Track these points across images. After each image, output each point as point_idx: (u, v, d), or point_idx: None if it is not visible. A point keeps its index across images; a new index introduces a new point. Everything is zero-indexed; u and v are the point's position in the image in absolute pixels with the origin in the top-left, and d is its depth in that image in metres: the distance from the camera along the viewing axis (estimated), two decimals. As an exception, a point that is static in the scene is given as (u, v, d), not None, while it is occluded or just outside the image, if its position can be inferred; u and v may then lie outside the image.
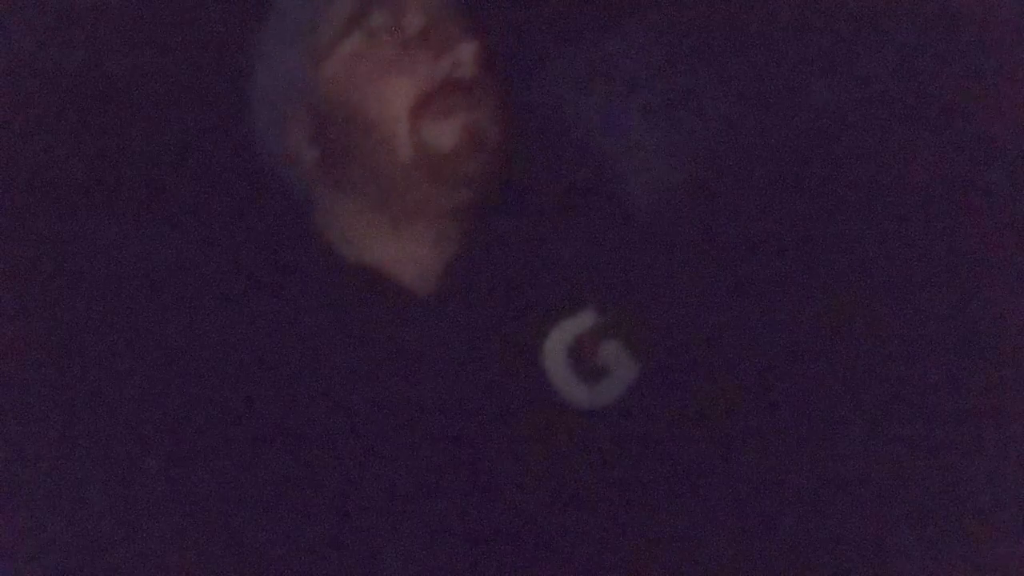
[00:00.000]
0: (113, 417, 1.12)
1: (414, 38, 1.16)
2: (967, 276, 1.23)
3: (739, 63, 1.37)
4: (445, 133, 1.14)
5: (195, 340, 1.14)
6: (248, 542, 1.09)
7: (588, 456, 1.12)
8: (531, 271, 1.18)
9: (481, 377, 1.13)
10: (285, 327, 1.14)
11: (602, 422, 1.14)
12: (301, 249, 1.19)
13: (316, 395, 1.11)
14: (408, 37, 1.16)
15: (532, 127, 1.26)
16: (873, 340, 1.23)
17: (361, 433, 1.11)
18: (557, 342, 1.15)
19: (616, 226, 1.24)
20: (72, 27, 1.26)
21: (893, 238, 1.27)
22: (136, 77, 1.28)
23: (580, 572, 1.10)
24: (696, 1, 1.37)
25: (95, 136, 1.27)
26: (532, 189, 1.22)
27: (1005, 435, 1.18)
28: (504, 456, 1.11)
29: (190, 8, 1.29)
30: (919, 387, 1.21)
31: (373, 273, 1.17)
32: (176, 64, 1.29)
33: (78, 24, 1.27)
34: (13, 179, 1.24)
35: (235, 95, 1.23)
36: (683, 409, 1.15)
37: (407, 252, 1.17)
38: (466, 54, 1.14)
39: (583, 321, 1.17)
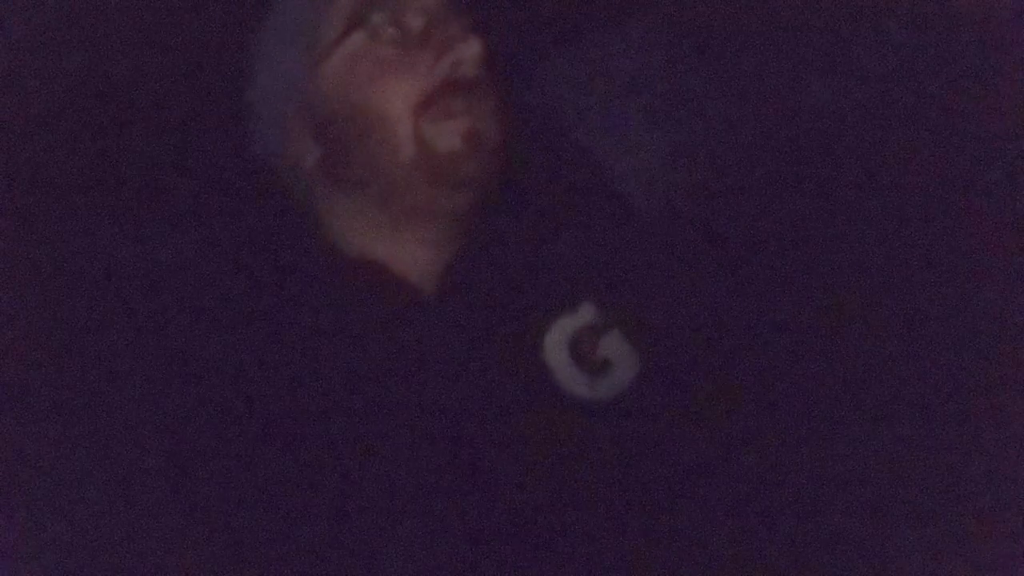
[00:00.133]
0: (113, 417, 1.12)
1: (415, 38, 1.16)
2: (967, 276, 1.23)
3: (739, 63, 1.37)
4: (447, 134, 1.14)
5: (195, 339, 1.14)
6: (248, 542, 1.09)
7: (591, 450, 1.12)
8: (531, 269, 1.18)
9: (483, 373, 1.13)
10: (286, 326, 1.14)
11: (605, 416, 1.14)
12: (301, 248, 1.19)
13: (317, 393, 1.11)
14: (409, 37, 1.16)
15: (532, 127, 1.26)
16: (873, 338, 1.23)
17: (363, 431, 1.11)
18: (558, 337, 1.16)
19: (616, 225, 1.24)
20: (72, 27, 1.26)
21: (893, 237, 1.27)
22: (136, 77, 1.28)
23: (583, 567, 1.10)
24: (696, 1, 1.37)
25: (95, 136, 1.27)
26: (532, 189, 1.22)
27: (1005, 435, 1.18)
28: (507, 451, 1.11)
29: (190, 8, 1.29)
30: (919, 387, 1.21)
31: (373, 272, 1.17)
32: (176, 64, 1.29)
33: (78, 24, 1.27)
34: (13, 179, 1.24)
35: (235, 94, 1.23)
36: (685, 403, 1.15)
37: (407, 251, 1.17)
38: (468, 53, 1.14)
39: (584, 316, 1.17)
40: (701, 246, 1.27)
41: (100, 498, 1.10)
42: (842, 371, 1.23)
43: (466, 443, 1.11)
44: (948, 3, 1.27)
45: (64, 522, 1.10)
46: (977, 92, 1.26)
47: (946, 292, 1.24)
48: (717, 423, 1.16)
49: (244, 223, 1.22)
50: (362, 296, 1.16)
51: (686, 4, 1.38)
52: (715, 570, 1.12)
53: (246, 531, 1.09)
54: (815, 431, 1.19)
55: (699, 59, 1.38)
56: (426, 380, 1.13)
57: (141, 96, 1.29)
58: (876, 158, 1.30)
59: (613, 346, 1.17)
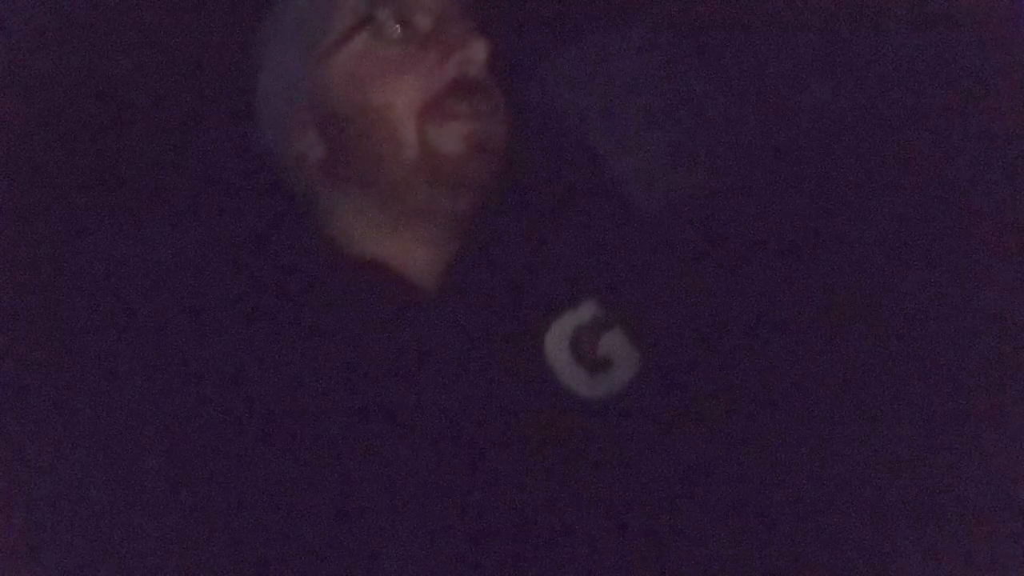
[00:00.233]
0: (113, 417, 1.12)
1: (421, 38, 1.16)
2: (967, 276, 1.23)
3: (739, 63, 1.37)
4: (450, 137, 1.14)
5: (195, 339, 1.14)
6: (248, 542, 1.09)
7: (591, 449, 1.12)
8: (531, 267, 1.18)
9: (483, 371, 1.13)
10: (286, 325, 1.14)
11: (605, 415, 1.14)
12: (302, 247, 1.19)
13: (318, 392, 1.11)
14: (415, 37, 1.16)
15: (532, 127, 1.26)
16: (873, 338, 1.23)
17: (363, 430, 1.11)
18: (559, 335, 1.16)
19: (616, 224, 1.24)
20: (72, 27, 1.26)
21: (892, 237, 1.27)
22: (136, 76, 1.28)
23: (583, 567, 1.10)
24: (696, 1, 1.38)
25: (95, 136, 1.27)
26: (532, 189, 1.22)
27: (1005, 435, 1.18)
28: (507, 450, 1.11)
29: (190, 7, 1.29)
30: (919, 387, 1.22)
31: (374, 270, 1.17)
32: (176, 63, 1.29)
33: (78, 24, 1.27)
34: (13, 179, 1.24)
35: (236, 93, 1.23)
36: (685, 402, 1.15)
37: (408, 250, 1.17)
38: (474, 55, 1.13)
39: (584, 314, 1.17)
40: (701, 245, 1.27)
41: (100, 498, 1.10)
42: (842, 371, 1.23)
43: (466, 442, 1.11)
44: (948, 3, 1.27)
45: (64, 522, 1.10)
46: (977, 92, 1.26)
47: (946, 292, 1.24)
48: (717, 422, 1.16)
49: (244, 222, 1.22)
50: (363, 295, 1.16)
51: (686, 4, 1.38)
52: (715, 570, 1.12)
53: (246, 531, 1.09)
54: (815, 431, 1.19)
55: (699, 59, 1.38)
56: (426, 379, 1.13)
57: (141, 96, 1.29)
58: (876, 158, 1.30)
59: (613, 345, 1.17)
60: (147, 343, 1.14)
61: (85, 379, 1.14)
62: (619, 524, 1.11)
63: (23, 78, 1.25)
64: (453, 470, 1.11)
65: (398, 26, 1.16)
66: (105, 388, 1.13)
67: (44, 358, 1.16)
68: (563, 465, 1.12)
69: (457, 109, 1.14)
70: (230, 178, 1.25)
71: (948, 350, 1.22)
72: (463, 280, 1.17)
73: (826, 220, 1.29)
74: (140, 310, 1.16)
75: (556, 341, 1.16)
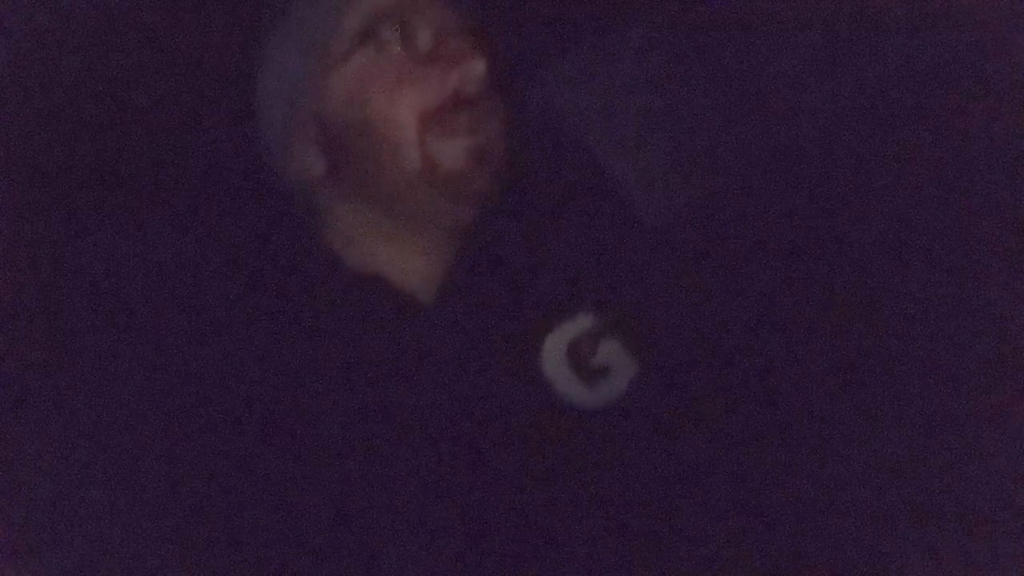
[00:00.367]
0: (113, 417, 1.12)
1: (423, 53, 1.16)
2: (967, 276, 1.23)
3: (739, 63, 1.37)
4: (452, 151, 1.14)
5: (194, 340, 1.14)
6: (248, 543, 1.09)
7: (589, 456, 1.12)
8: (530, 273, 1.19)
9: (481, 379, 1.14)
10: (285, 329, 1.14)
11: (603, 422, 1.14)
12: (301, 251, 1.19)
13: (316, 397, 1.11)
14: (417, 52, 1.16)
15: (532, 129, 1.26)
16: (873, 339, 1.23)
17: (362, 436, 1.11)
18: (556, 343, 1.16)
19: (615, 227, 1.24)
20: (72, 27, 1.26)
21: (892, 238, 1.27)
22: (136, 77, 1.28)
23: (585, 570, 1.10)
24: (696, 2, 1.38)
25: (95, 136, 1.27)
26: (532, 190, 1.22)
27: (1005, 436, 1.18)
28: (505, 457, 1.11)
29: (191, 7, 1.29)
30: (919, 387, 1.22)
31: (373, 278, 1.17)
32: (176, 63, 1.29)
33: (78, 24, 1.27)
34: (13, 179, 1.24)
35: (237, 97, 1.23)
36: (683, 409, 1.15)
37: (407, 260, 1.18)
38: (472, 72, 1.14)
39: (582, 323, 1.17)
40: (700, 249, 1.27)
41: (100, 498, 1.10)
42: (842, 372, 1.23)
43: (464, 448, 1.11)
44: (948, 3, 1.27)
45: (64, 522, 1.10)
46: (977, 92, 1.26)
47: (946, 292, 1.24)
48: (715, 428, 1.16)
49: (244, 224, 1.22)
50: (360, 301, 1.16)
51: (686, 5, 1.38)
52: (715, 570, 1.12)
53: (246, 532, 1.09)
54: (816, 432, 1.19)
55: (699, 60, 1.38)
56: (424, 385, 1.13)
57: (141, 96, 1.29)
58: (876, 159, 1.30)
59: (611, 352, 1.17)
60: (146, 344, 1.14)
61: (85, 379, 1.14)
62: (618, 530, 1.11)
63: (23, 78, 1.25)
64: (451, 476, 1.11)
65: (400, 41, 1.16)
66: (105, 388, 1.13)
67: (44, 358, 1.16)
68: (561, 472, 1.12)
69: (458, 123, 1.14)
70: (230, 179, 1.25)
71: (948, 350, 1.22)
72: (461, 287, 1.17)
73: (826, 220, 1.29)
74: (139, 310, 1.16)
75: (554, 348, 1.16)
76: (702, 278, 1.22)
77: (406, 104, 1.15)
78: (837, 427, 1.20)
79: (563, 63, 1.40)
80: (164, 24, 1.29)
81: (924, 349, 1.23)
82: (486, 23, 1.19)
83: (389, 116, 1.15)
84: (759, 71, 1.36)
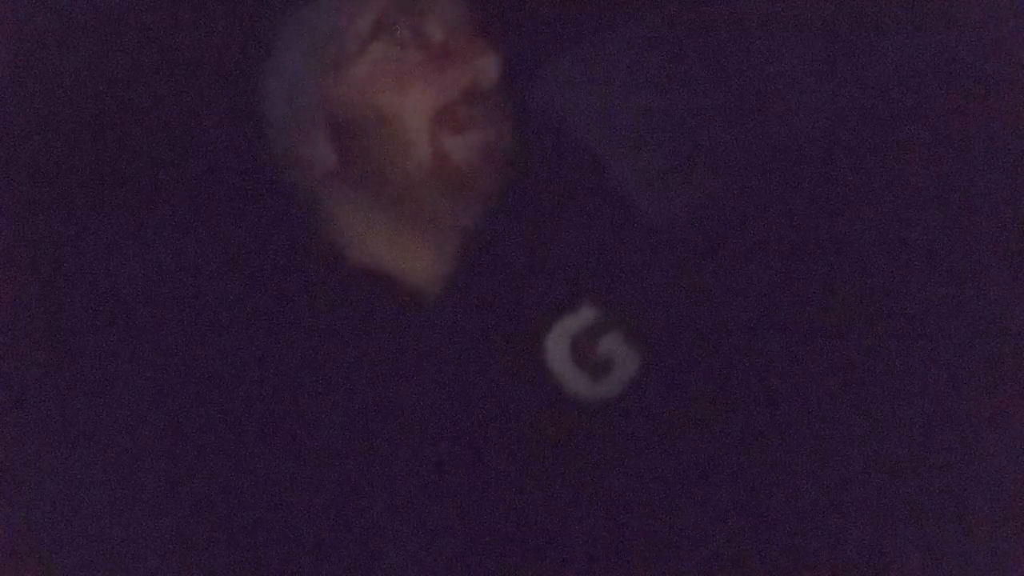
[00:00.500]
0: (113, 417, 1.12)
1: (436, 49, 1.16)
2: (967, 276, 1.23)
3: (739, 63, 1.37)
4: (463, 146, 1.14)
5: (195, 340, 1.14)
6: (249, 542, 1.09)
7: (591, 450, 1.12)
8: (532, 269, 1.19)
9: (484, 374, 1.14)
10: (286, 328, 1.14)
11: (605, 417, 1.14)
12: (303, 249, 1.19)
13: (318, 395, 1.11)
14: (430, 48, 1.17)
15: (532, 128, 1.26)
16: (873, 339, 1.23)
17: (364, 433, 1.11)
18: (559, 337, 1.16)
19: (616, 225, 1.24)
20: (72, 27, 1.26)
21: (892, 238, 1.27)
22: (136, 77, 1.28)
23: (584, 568, 1.10)
24: (696, 1, 1.38)
25: (95, 136, 1.27)
26: (533, 188, 1.22)
27: (1005, 435, 1.18)
28: (508, 452, 1.11)
29: (191, 7, 1.29)
30: (919, 387, 1.22)
31: (376, 274, 1.17)
32: (176, 63, 1.28)
33: (78, 24, 1.27)
34: (13, 179, 1.24)
35: (237, 97, 1.23)
36: (685, 404, 1.15)
37: (411, 256, 1.18)
38: (486, 68, 1.14)
39: (584, 317, 1.17)
40: (701, 248, 1.27)
41: (100, 498, 1.10)
42: (843, 371, 1.23)
43: (467, 444, 1.11)
44: (948, 3, 1.27)
45: (64, 522, 1.10)
46: (977, 92, 1.26)
47: (946, 292, 1.24)
48: (717, 424, 1.16)
49: (245, 223, 1.22)
50: (362, 298, 1.16)
51: (686, 4, 1.38)
52: (715, 570, 1.12)
53: (247, 531, 1.09)
54: (816, 431, 1.19)
55: (699, 60, 1.38)
56: (428, 383, 1.13)
57: (141, 96, 1.29)
58: (876, 159, 1.30)
59: (613, 347, 1.17)
60: (147, 343, 1.14)
61: (85, 379, 1.14)
62: (619, 525, 1.12)
63: (23, 78, 1.25)
64: (454, 473, 1.11)
65: (413, 38, 1.16)
66: (105, 388, 1.13)
67: (44, 358, 1.16)
68: (563, 467, 1.12)
69: (470, 118, 1.14)
70: (230, 179, 1.25)
71: (948, 350, 1.22)
72: (463, 282, 1.17)
73: (826, 220, 1.29)
74: (140, 310, 1.16)
75: (556, 344, 1.16)
76: (702, 277, 1.22)
77: (418, 99, 1.15)
78: (837, 426, 1.20)
79: (563, 63, 1.40)
80: (164, 24, 1.29)
81: (924, 349, 1.23)
82: (488, 20, 1.19)
83: (401, 110, 1.15)
84: (759, 71, 1.36)
